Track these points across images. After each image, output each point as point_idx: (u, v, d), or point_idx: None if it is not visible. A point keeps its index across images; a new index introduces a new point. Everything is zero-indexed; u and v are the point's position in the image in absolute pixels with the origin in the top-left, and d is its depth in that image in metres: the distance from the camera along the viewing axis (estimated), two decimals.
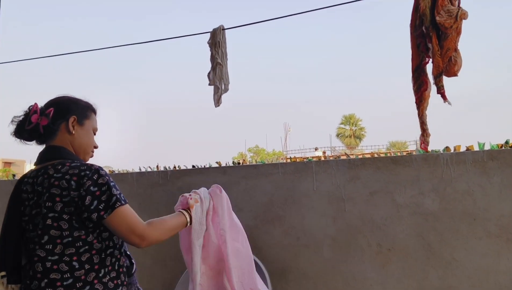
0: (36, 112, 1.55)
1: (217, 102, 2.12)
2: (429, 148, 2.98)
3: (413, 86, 1.83)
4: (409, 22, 1.80)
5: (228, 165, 3.62)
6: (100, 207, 1.43)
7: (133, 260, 1.73)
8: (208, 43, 2.12)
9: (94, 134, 1.73)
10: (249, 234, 3.18)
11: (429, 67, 1.80)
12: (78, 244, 1.44)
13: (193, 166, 3.67)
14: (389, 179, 2.84)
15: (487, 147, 2.74)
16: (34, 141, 1.62)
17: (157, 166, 3.89)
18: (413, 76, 1.82)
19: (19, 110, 1.61)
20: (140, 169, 3.97)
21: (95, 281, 1.45)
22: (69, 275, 1.41)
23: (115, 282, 1.52)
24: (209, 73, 2.13)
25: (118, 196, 1.47)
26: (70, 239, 1.43)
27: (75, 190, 1.43)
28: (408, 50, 1.88)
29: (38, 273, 1.43)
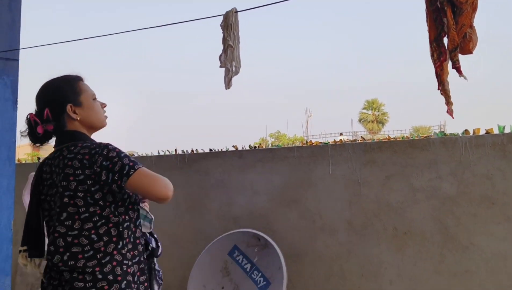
0: (37, 122, 1.61)
1: (228, 84, 2.13)
2: (448, 131, 2.93)
3: (432, 55, 1.78)
4: None
5: (244, 148, 3.65)
6: (115, 178, 1.49)
7: (159, 243, 1.79)
8: (220, 25, 2.12)
9: (95, 99, 1.75)
10: (265, 216, 3.22)
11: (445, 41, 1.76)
12: (95, 218, 1.51)
13: (210, 150, 3.71)
14: (406, 162, 2.81)
15: (507, 130, 2.67)
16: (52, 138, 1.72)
17: (175, 150, 3.94)
18: (431, 46, 1.78)
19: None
20: (158, 152, 4.04)
21: (115, 252, 1.52)
22: (89, 248, 1.49)
23: (131, 253, 1.58)
24: (220, 55, 2.14)
25: (130, 164, 1.51)
26: (87, 214, 1.50)
27: (89, 168, 1.49)
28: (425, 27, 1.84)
29: (60, 248, 1.50)
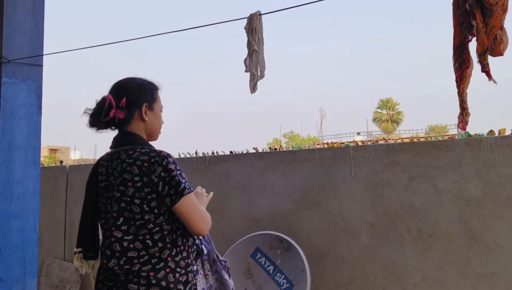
0: (112, 106, 1.61)
1: (253, 88, 2.13)
2: (473, 132, 2.89)
3: (454, 64, 1.77)
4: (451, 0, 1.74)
5: (264, 150, 3.65)
6: (171, 192, 1.51)
7: (203, 245, 1.81)
8: (244, 28, 2.13)
9: (161, 112, 1.80)
10: (286, 219, 3.22)
11: (472, 46, 1.73)
12: (150, 226, 1.52)
13: (231, 152, 3.72)
14: (430, 164, 2.78)
15: None
16: (109, 129, 1.70)
17: (196, 152, 3.97)
18: (454, 54, 1.76)
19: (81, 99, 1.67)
20: (179, 155, 4.07)
21: (169, 259, 1.53)
22: (144, 253, 1.51)
23: (186, 261, 1.59)
24: (245, 59, 2.14)
25: (184, 183, 1.54)
26: (142, 221, 1.52)
27: (147, 176, 1.50)
28: (450, 28, 1.82)
29: (116, 252, 1.52)
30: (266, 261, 2.91)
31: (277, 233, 2.97)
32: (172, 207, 1.52)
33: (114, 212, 1.53)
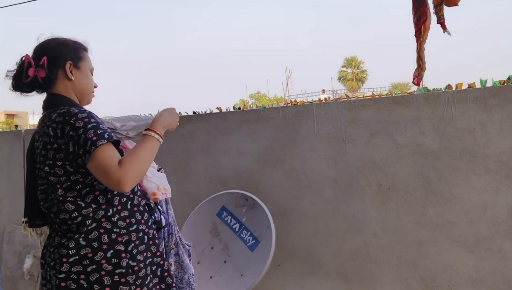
0: (31, 65, 1.52)
1: None
2: (431, 87, 2.96)
3: (413, 18, 1.79)
4: None
5: (228, 110, 3.62)
6: (80, 152, 1.41)
7: (163, 215, 1.76)
8: None
9: (91, 74, 1.70)
10: (252, 177, 3.24)
11: None
12: (78, 187, 1.46)
13: (194, 112, 3.67)
14: (390, 119, 2.84)
15: (489, 84, 2.71)
16: (35, 92, 1.62)
17: None
18: (413, 7, 1.78)
19: (11, 63, 1.59)
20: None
21: (103, 220, 1.47)
22: (77, 214, 1.45)
23: (127, 221, 1.53)
24: None
25: (92, 139, 1.39)
26: (68, 183, 1.46)
27: (61, 138, 1.43)
28: None
29: (52, 214, 1.52)
30: (232, 219, 2.95)
31: (242, 192, 3.00)
32: (86, 166, 1.42)
33: (44, 177, 1.50)
